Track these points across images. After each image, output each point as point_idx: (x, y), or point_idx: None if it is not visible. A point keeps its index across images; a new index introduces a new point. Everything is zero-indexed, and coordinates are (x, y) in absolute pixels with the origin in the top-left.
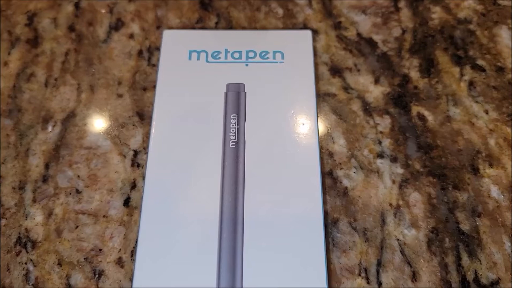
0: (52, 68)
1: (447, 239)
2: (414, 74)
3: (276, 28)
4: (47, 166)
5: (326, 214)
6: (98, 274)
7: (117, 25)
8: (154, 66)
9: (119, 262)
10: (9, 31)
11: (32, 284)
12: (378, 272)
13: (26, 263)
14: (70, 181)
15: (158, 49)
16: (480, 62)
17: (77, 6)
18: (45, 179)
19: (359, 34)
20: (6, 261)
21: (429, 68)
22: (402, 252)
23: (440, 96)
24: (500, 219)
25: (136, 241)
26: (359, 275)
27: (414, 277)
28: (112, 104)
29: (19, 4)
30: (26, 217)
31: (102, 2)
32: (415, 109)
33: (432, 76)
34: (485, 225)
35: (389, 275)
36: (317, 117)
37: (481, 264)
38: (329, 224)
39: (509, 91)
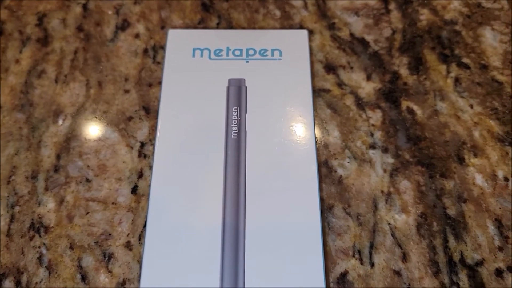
0: (62, 65)
1: (435, 223)
2: (403, 71)
3: (274, 28)
4: (58, 157)
5: (322, 200)
6: (108, 257)
7: (123, 25)
8: (159, 63)
9: (128, 245)
10: (20, 30)
11: (45, 266)
12: (370, 253)
13: (39, 247)
14: (80, 171)
15: (162, 48)
16: (465, 60)
17: (85, 7)
18: (56, 169)
19: (351, 34)
20: (21, 245)
21: (417, 65)
22: (393, 235)
23: (428, 92)
24: (484, 205)
25: (144, 226)
26: (353, 256)
27: (404, 258)
28: (120, 99)
29: (30, 5)
30: (39, 204)
31: (109, 3)
32: (405, 104)
33: (421, 73)
34: (470, 210)
35: (381, 256)
36: (313, 111)
37: (466, 246)
38: (325, 209)
39: (492, 87)
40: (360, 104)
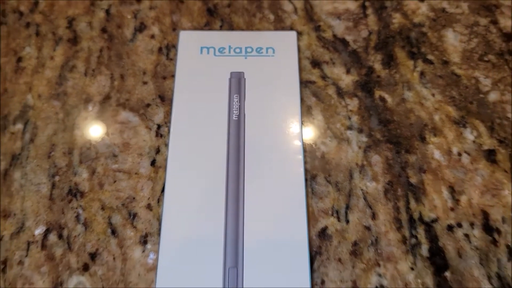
0: (89, 61)
1: (399, 189)
2: (377, 66)
3: (269, 29)
4: (89, 136)
5: (306, 171)
6: (133, 216)
7: (140, 28)
8: (171, 60)
9: (149, 206)
10: (53, 32)
11: (82, 223)
12: (346, 213)
13: (76, 208)
14: (108, 148)
15: (174, 46)
16: (429, 57)
17: (107, 12)
18: (88, 146)
19: (334, 35)
20: (61, 206)
21: (389, 61)
22: (365, 198)
23: (397, 83)
24: (440, 175)
25: (162, 191)
26: (332, 215)
27: (374, 216)
28: (139, 89)
29: (60, 10)
30: (75, 175)
31: (128, 9)
32: (378, 93)
33: (392, 67)
34: (429, 179)
35: (354, 215)
36: (300, 99)
37: (424, 207)
38: (309, 178)
39: (451, 79)
40: (340, 93)
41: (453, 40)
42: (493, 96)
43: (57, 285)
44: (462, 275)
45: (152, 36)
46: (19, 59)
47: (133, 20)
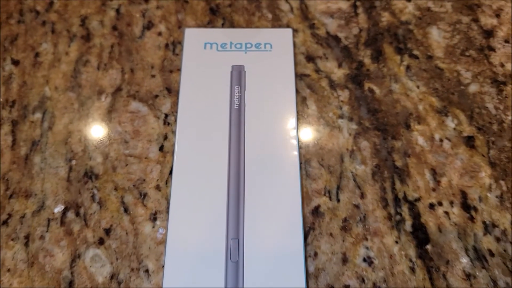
0: (102, 56)
1: (385, 172)
2: (367, 61)
3: (267, 27)
4: (102, 125)
5: (301, 155)
6: (143, 196)
7: (148, 26)
8: (177, 55)
9: (157, 187)
10: (68, 29)
11: (97, 202)
12: (337, 193)
13: (92, 189)
14: (120, 135)
15: (179, 43)
16: (415, 52)
17: (118, 11)
18: (101, 133)
19: (327, 32)
20: (78, 187)
21: (378, 56)
22: (354, 180)
23: (385, 76)
24: (423, 159)
25: (169, 174)
26: (324, 195)
27: (362, 196)
28: (148, 82)
29: (74, 9)
30: (90, 159)
31: (137, 8)
32: (367, 85)
33: (380, 62)
34: (413, 162)
35: (345, 195)
36: (296, 90)
37: (408, 187)
38: (304, 162)
39: (435, 72)
40: (333, 85)
41: (437, 37)
42: (473, 88)
43: (75, 257)
44: (442, 247)
45: (159, 33)
46: (37, 54)
47: (142, 18)
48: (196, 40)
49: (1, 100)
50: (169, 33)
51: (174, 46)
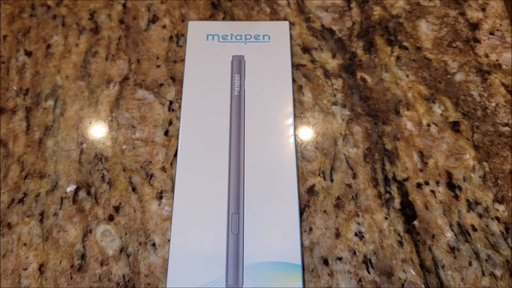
0: (110, 48)
1: (376, 154)
2: (359, 52)
3: (265, 20)
4: (111, 111)
5: (297, 139)
6: (150, 176)
7: (153, 19)
8: (181, 46)
9: (163, 169)
10: (77, 23)
11: (107, 182)
12: (331, 173)
13: (102, 170)
14: (127, 120)
15: (183, 35)
16: (405, 43)
17: (124, 5)
18: (110, 119)
19: (322, 25)
20: (89, 169)
21: (370, 48)
22: (347, 161)
23: (376, 66)
24: (412, 142)
25: (174, 156)
26: (319, 175)
27: (354, 176)
28: (153, 72)
29: (83, 4)
30: (99, 142)
31: (142, 3)
32: (359, 74)
33: (372, 53)
34: (402, 146)
35: (338, 175)
36: (292, 79)
37: (397, 168)
38: (299, 145)
39: (423, 63)
40: (327, 74)
41: (425, 29)
42: (459, 77)
43: (87, 232)
44: (428, 223)
45: (164, 27)
46: (48, 46)
47: (147, 12)
48: (198, 32)
49: (15, 88)
50: (173, 26)
51: (178, 38)
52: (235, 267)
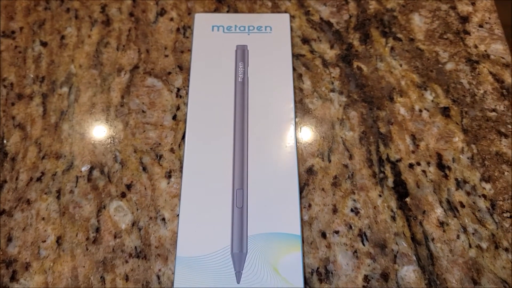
0: (120, 39)
1: (371, 137)
2: (356, 43)
3: (267, 13)
4: (122, 97)
5: (297, 123)
6: (159, 157)
7: (161, 12)
8: (187, 38)
9: (172, 150)
10: (90, 15)
11: (119, 162)
12: (329, 154)
13: (114, 151)
14: (138, 106)
15: (189, 27)
16: (399, 35)
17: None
18: (121, 104)
19: (321, 18)
20: (102, 150)
21: (365, 39)
22: (344, 144)
23: (372, 56)
24: (404, 126)
25: (182, 138)
26: (317, 156)
27: (350, 157)
28: (161, 61)
29: None
30: (111, 126)
31: None
32: (355, 64)
33: (367, 44)
34: (395, 129)
35: (335, 156)
36: (293, 68)
37: (391, 150)
38: (299, 128)
39: (416, 53)
40: (325, 64)
41: (418, 22)
42: (449, 66)
43: (101, 208)
44: (419, 200)
45: (171, 19)
46: (62, 37)
47: (155, 6)
48: (204, 23)
49: (32, 76)
50: (180, 19)
51: (185, 30)
52: (240, 236)
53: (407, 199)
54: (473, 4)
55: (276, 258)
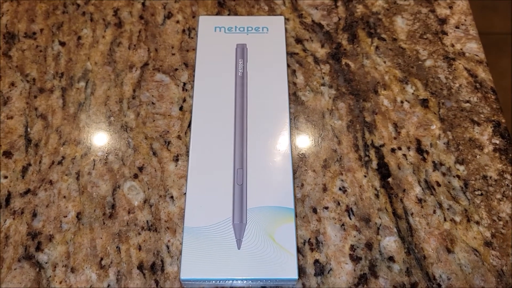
0: (131, 39)
1: (357, 125)
2: (344, 42)
3: (264, 16)
4: (134, 91)
5: (291, 113)
6: (167, 143)
7: (169, 15)
8: (192, 38)
9: (179, 137)
10: (103, 18)
11: (132, 148)
12: (319, 140)
13: (127, 138)
14: (148, 98)
15: (194, 29)
16: (383, 35)
17: (143, 4)
18: (133, 97)
19: (313, 20)
20: (116, 137)
21: (353, 39)
22: (333, 131)
23: (359, 54)
24: (387, 116)
25: (188, 127)
26: (309, 142)
27: (339, 143)
28: (169, 58)
29: (108, 3)
30: (124, 116)
31: (158, 2)
32: (344, 61)
33: (355, 43)
34: (379, 119)
35: (325, 142)
36: (287, 64)
37: (375, 136)
38: (293, 118)
39: (398, 51)
40: (317, 61)
41: (401, 24)
42: (428, 63)
43: (116, 187)
44: (400, 180)
45: (177, 22)
46: (79, 38)
47: (163, 10)
48: (208, 24)
49: (52, 72)
50: (185, 21)
51: (190, 31)
52: (240, 209)
53: (389, 179)
54: (450, 7)
55: (272, 228)
